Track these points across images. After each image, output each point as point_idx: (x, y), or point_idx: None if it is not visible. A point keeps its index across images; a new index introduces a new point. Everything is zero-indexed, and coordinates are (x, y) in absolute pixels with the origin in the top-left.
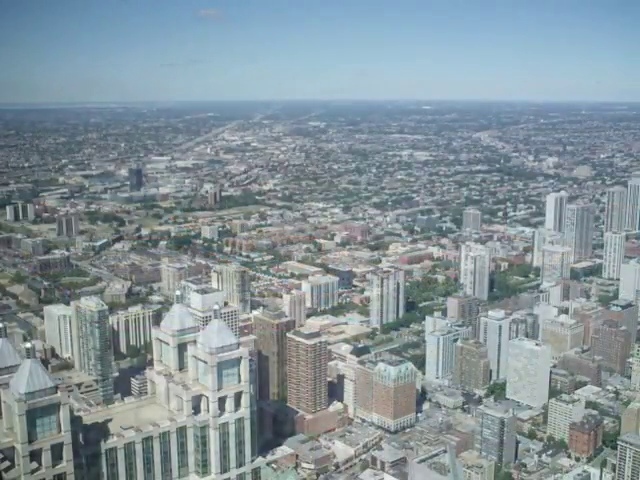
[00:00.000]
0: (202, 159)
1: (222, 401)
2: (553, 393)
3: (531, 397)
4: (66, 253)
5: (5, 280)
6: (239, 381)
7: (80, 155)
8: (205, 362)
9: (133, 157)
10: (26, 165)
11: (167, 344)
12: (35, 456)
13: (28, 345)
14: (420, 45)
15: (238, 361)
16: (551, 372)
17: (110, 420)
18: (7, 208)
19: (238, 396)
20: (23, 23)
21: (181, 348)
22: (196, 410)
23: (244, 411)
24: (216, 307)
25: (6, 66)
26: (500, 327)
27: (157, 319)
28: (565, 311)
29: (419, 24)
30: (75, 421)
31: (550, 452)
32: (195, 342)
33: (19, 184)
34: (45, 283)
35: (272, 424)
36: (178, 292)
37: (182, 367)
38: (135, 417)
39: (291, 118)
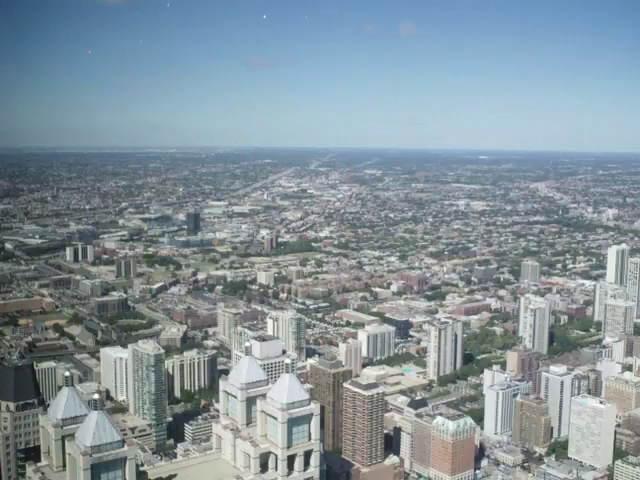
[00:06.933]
0: (259, 205)
1: (291, 459)
2: (618, 454)
3: (594, 457)
4: (124, 295)
5: (63, 321)
6: (309, 439)
7: (140, 199)
8: (275, 418)
9: (191, 201)
10: (87, 207)
11: (234, 397)
12: None
13: (96, 396)
14: (474, 95)
15: (309, 418)
16: (615, 432)
17: (174, 476)
18: (67, 249)
19: (308, 455)
20: (85, 69)
21: (249, 402)
22: (263, 468)
23: (313, 470)
24: (287, 361)
25: (70, 111)
26: (562, 383)
27: (212, 364)
28: (629, 368)
29: (473, 73)
30: (140, 476)
31: None
32: (264, 396)
33: (80, 226)
34: (102, 325)
35: (328, 477)
36: (248, 344)
37: (249, 422)
38: (200, 473)
39: (347, 166)
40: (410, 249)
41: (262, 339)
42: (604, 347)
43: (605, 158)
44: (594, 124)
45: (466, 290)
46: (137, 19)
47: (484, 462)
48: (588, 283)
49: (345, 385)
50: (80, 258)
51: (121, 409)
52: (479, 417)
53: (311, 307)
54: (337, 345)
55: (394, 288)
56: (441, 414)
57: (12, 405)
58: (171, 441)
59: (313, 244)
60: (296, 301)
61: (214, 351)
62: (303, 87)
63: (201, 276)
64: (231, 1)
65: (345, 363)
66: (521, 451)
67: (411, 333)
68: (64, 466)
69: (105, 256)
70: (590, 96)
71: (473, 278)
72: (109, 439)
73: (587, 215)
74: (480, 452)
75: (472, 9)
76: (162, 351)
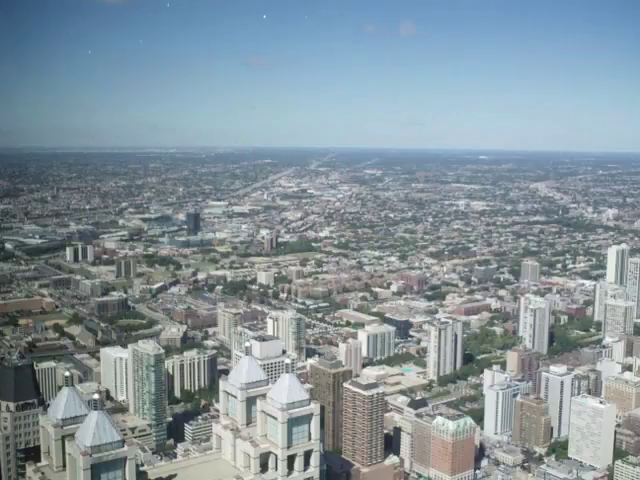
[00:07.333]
0: (259, 205)
1: (291, 459)
2: (618, 454)
3: (594, 457)
4: (124, 295)
5: (63, 321)
6: (309, 439)
7: (140, 199)
8: (275, 418)
9: (191, 201)
10: (87, 207)
11: (234, 397)
12: None
13: (96, 396)
14: (474, 95)
15: (309, 418)
16: (615, 432)
17: (174, 476)
18: (67, 249)
19: (308, 455)
20: (85, 69)
21: (249, 402)
22: (264, 468)
23: (313, 470)
24: (287, 361)
25: (70, 111)
26: (562, 383)
27: (212, 364)
28: (629, 368)
29: (473, 73)
30: (140, 476)
31: None
32: (264, 396)
33: (80, 226)
34: (102, 325)
35: (328, 477)
36: (248, 344)
37: (249, 422)
38: (200, 473)
39: (347, 166)
40: (410, 249)
41: (262, 339)
42: (604, 347)
43: (605, 158)
44: (594, 124)
45: (466, 290)
46: (137, 19)
47: (484, 462)
48: (588, 283)
49: (345, 385)
50: (80, 258)
51: (121, 409)
52: (479, 417)
53: (311, 307)
54: (337, 345)
55: (394, 288)
56: (441, 414)
57: (12, 405)
58: (171, 441)
59: (313, 244)
60: (296, 301)
61: (214, 351)
62: (303, 87)
63: (201, 276)
64: (231, 1)
65: (345, 363)
66: (521, 451)
67: (411, 333)
68: (64, 466)
69: (105, 256)
70: (590, 96)
71: (473, 278)
72: (109, 439)
73: (587, 215)
74: (480, 452)
75: (472, 9)
76: (162, 351)
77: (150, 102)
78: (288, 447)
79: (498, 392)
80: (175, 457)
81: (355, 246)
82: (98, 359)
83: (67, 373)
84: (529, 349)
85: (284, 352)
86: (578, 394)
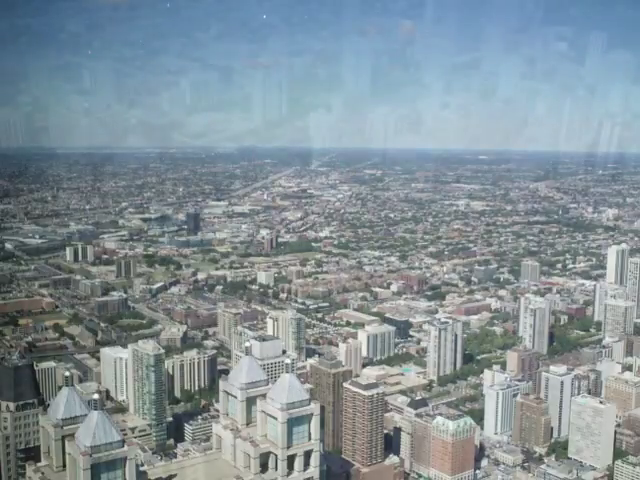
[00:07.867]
0: (259, 205)
1: (291, 459)
2: (618, 454)
3: (594, 457)
4: (124, 295)
5: (63, 321)
6: (309, 439)
7: (140, 199)
8: (275, 418)
9: (191, 201)
10: (87, 207)
11: (234, 397)
12: None
13: (96, 396)
14: (475, 94)
15: (309, 418)
16: (615, 432)
17: (174, 476)
18: (67, 249)
19: (308, 455)
20: (85, 69)
21: (249, 402)
22: (264, 468)
23: (313, 470)
24: (287, 361)
25: (68, 111)
26: (562, 383)
27: (212, 364)
28: (629, 368)
29: (473, 73)
30: (140, 476)
31: None
32: (264, 396)
33: (80, 226)
34: (102, 325)
35: (327, 477)
36: (248, 344)
37: (249, 422)
38: (200, 473)
39: (347, 166)
40: (410, 249)
41: (262, 339)
42: (604, 347)
43: (605, 158)
44: (594, 124)
45: (466, 290)
46: (137, 19)
47: (484, 462)
48: (588, 283)
49: (345, 385)
50: (80, 258)
51: (121, 409)
52: (479, 417)
53: (311, 307)
54: (337, 345)
55: (394, 288)
56: (441, 414)
57: (12, 405)
58: (171, 441)
59: (313, 244)
60: (296, 301)
61: (214, 351)
62: (303, 87)
63: (201, 276)
64: (231, 1)
65: (345, 363)
66: (521, 451)
67: (411, 333)
68: (64, 466)
69: (105, 256)
70: (590, 96)
71: (473, 278)
72: (109, 439)
73: (587, 215)
74: (480, 452)
75: (472, 9)
76: (162, 351)
77: (150, 102)
78: (288, 447)
79: (498, 392)
80: (175, 457)
81: (355, 246)
82: (98, 359)
83: (67, 373)
84: (529, 349)
85: (284, 352)
86: (578, 394)
